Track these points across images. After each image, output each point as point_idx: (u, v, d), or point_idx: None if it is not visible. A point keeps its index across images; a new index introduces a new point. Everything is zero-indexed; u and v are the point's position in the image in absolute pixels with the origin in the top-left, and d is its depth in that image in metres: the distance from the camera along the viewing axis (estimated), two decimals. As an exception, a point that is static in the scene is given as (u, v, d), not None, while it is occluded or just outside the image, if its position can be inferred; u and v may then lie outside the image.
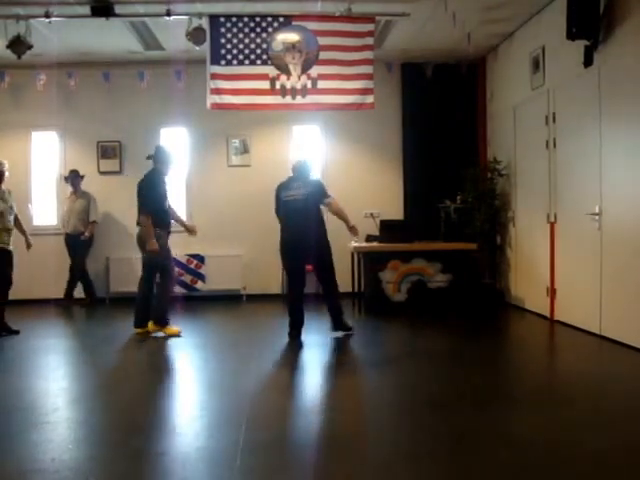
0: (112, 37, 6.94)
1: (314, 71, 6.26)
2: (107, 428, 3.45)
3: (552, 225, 6.30)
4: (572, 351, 5.27)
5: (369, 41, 6.27)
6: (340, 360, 5.03)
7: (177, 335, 5.78)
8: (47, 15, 5.87)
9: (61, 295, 7.86)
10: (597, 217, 5.38)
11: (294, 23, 6.24)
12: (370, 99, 6.34)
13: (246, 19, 6.17)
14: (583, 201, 5.63)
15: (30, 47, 6.10)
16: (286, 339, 5.55)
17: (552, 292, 6.31)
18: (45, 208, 8.37)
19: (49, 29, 6.27)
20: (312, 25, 6.23)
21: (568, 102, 5.95)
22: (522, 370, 4.69)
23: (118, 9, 5.94)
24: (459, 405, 3.71)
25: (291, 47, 6.23)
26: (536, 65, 6.55)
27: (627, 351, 4.90)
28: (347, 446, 3.10)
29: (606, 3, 5.19)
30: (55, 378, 4.61)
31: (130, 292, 8.12)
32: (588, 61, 5.42)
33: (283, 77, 6.25)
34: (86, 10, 5.90)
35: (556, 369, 4.88)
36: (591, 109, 5.46)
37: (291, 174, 5.82)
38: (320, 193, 5.61)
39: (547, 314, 6.40)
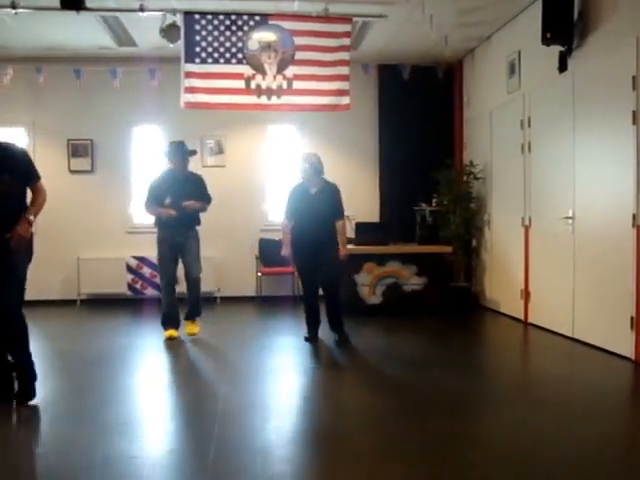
0: (83, 32, 6.76)
1: (290, 71, 6.18)
2: (77, 431, 3.34)
3: (527, 228, 6.33)
4: (545, 354, 5.29)
5: (346, 42, 6.21)
6: (314, 363, 4.96)
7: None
8: (13, 6, 5.64)
9: None
10: (570, 221, 5.41)
11: (270, 22, 6.16)
12: (346, 100, 6.29)
13: (222, 17, 6.07)
14: (557, 205, 5.66)
15: (-5, 39, 5.92)
16: (261, 341, 5.47)
17: (526, 295, 6.33)
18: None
19: (16, 21, 6.08)
20: (288, 25, 6.15)
21: (543, 106, 5.98)
22: (495, 373, 4.68)
23: (89, 3, 5.73)
24: (432, 408, 3.69)
25: (267, 46, 6.15)
26: (512, 69, 6.58)
27: (599, 353, 4.93)
28: (318, 448, 3.06)
29: (580, 10, 5.23)
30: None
31: (101, 294, 8.02)
32: (562, 66, 5.46)
33: (258, 77, 6.16)
34: (55, 2, 5.69)
35: (529, 372, 4.88)
36: (565, 114, 5.49)
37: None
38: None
39: (521, 317, 6.42)
